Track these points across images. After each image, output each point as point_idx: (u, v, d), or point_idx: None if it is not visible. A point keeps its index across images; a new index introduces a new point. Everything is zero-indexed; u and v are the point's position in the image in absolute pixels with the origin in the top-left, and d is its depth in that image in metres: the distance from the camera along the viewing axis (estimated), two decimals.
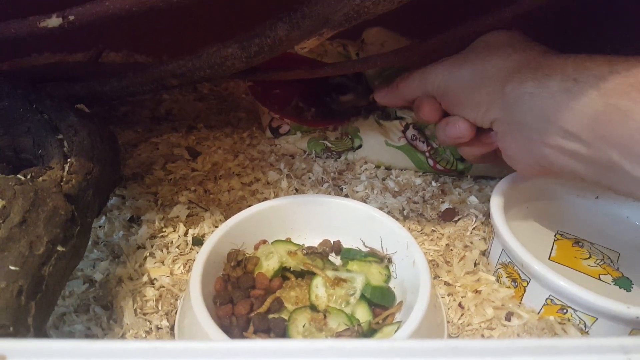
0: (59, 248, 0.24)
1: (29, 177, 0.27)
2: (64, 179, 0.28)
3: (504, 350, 0.16)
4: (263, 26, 0.34)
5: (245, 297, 0.29)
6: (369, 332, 0.28)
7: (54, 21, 0.30)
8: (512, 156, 0.33)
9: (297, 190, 0.41)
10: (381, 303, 0.30)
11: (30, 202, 0.25)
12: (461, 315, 0.31)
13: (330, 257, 0.34)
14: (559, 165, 0.30)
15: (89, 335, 0.28)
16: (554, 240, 0.36)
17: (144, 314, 0.30)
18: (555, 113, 0.28)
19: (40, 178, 0.27)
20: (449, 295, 0.32)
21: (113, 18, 0.29)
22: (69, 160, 0.29)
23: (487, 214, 0.38)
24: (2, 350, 0.15)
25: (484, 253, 0.36)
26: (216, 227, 0.34)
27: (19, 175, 0.27)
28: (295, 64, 0.40)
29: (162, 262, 0.33)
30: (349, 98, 0.46)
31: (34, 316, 0.22)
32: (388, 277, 0.32)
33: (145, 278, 0.32)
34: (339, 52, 0.48)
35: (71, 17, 0.29)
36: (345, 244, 0.34)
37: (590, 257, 0.34)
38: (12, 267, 0.22)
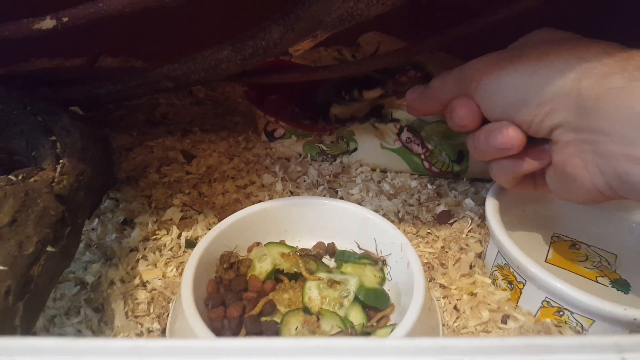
0: (49, 248, 0.24)
1: (20, 177, 0.26)
2: (56, 180, 0.27)
3: (495, 349, 0.15)
4: (257, 29, 0.34)
5: (238, 299, 0.29)
6: (363, 334, 0.28)
7: (47, 23, 0.30)
8: (571, 176, 0.26)
9: (292, 192, 0.41)
10: (375, 305, 0.29)
11: (21, 202, 0.25)
12: (457, 318, 0.31)
13: (324, 260, 0.33)
14: None
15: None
16: (551, 243, 0.35)
17: (135, 317, 0.30)
18: None
19: (32, 178, 0.27)
20: (444, 297, 0.32)
21: (106, 19, 0.29)
22: (61, 161, 0.29)
23: (483, 217, 0.38)
24: None
25: (480, 255, 0.36)
26: (210, 230, 0.33)
27: (10, 176, 0.27)
28: (289, 70, 0.40)
29: (155, 265, 0.33)
30: (375, 93, 0.41)
31: (22, 317, 0.21)
32: (382, 280, 0.32)
33: (137, 281, 0.32)
34: (334, 57, 0.48)
35: (65, 19, 0.29)
36: (340, 246, 0.34)
37: (587, 259, 0.34)
38: (0, 267, 0.22)
